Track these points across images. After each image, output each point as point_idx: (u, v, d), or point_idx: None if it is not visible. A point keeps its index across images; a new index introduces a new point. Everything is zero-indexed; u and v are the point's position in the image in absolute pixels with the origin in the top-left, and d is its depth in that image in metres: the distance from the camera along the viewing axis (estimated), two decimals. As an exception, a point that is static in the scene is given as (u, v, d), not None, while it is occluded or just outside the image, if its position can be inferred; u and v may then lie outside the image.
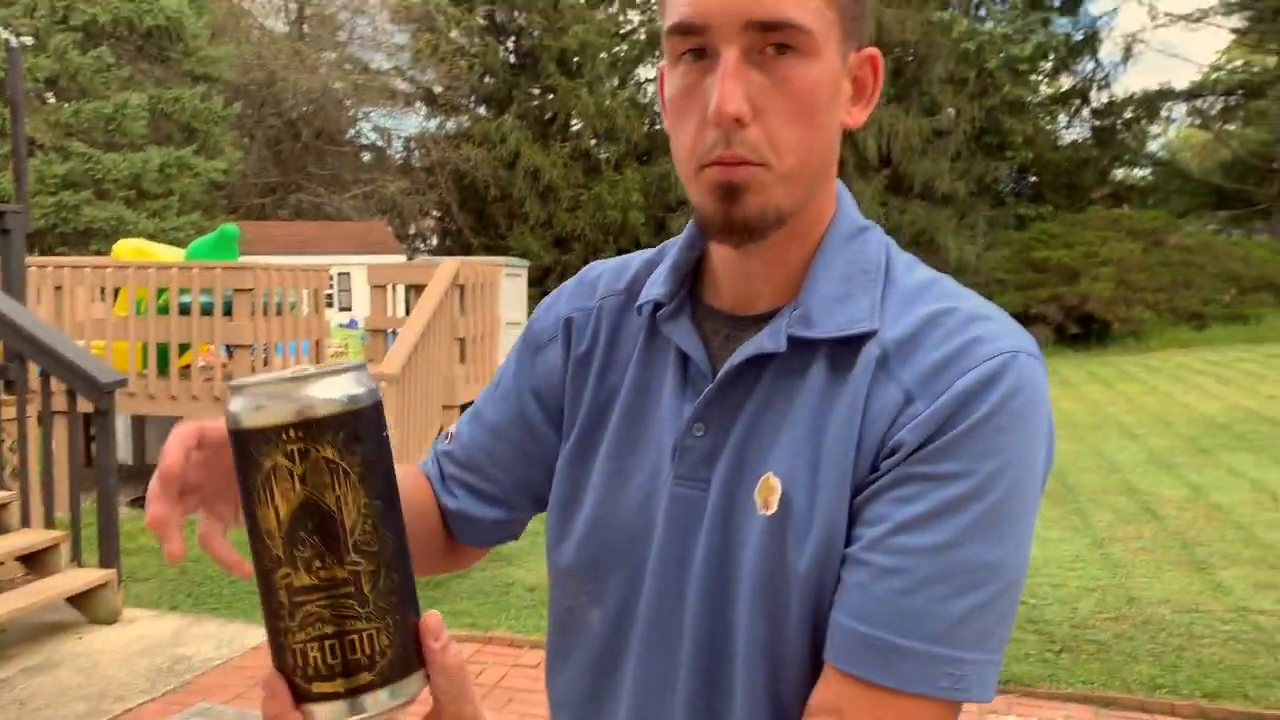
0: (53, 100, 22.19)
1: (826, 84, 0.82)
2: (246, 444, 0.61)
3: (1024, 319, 24.00)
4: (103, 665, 4.74)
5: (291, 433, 0.60)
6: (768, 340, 0.85)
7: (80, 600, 5.29)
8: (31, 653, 4.91)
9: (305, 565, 0.61)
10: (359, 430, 0.62)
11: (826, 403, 0.83)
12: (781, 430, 0.85)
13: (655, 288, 0.95)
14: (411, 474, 1.08)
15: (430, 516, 1.07)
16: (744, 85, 0.79)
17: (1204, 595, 5.57)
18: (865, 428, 0.81)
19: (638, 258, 1.04)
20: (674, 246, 0.98)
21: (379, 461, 0.63)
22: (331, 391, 0.61)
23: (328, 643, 0.61)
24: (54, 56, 21.57)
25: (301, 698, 0.62)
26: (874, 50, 0.89)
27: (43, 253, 20.09)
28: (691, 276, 0.96)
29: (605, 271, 1.06)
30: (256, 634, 5.10)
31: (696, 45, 0.81)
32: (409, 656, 0.63)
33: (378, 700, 0.62)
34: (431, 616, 0.66)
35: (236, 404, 0.62)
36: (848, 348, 0.84)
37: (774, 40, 0.79)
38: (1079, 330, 23.30)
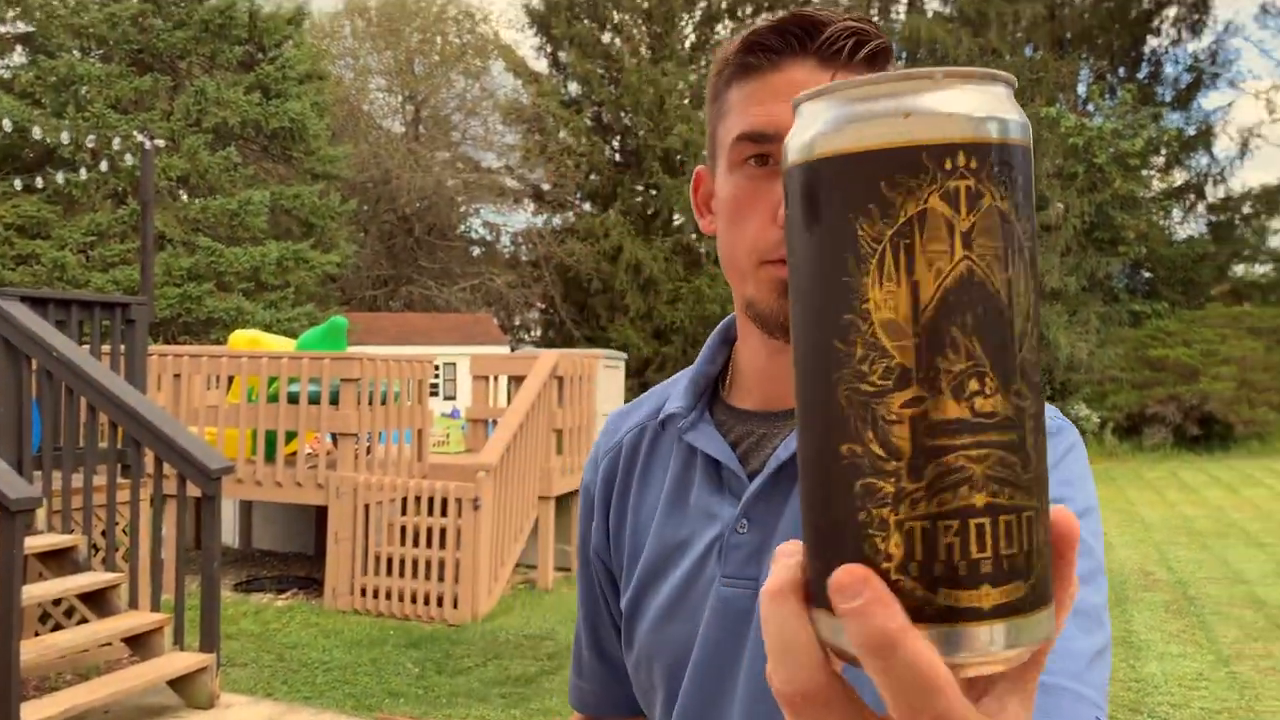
0: (184, 197, 23.39)
1: None
2: (876, 172, 0.37)
3: (1140, 419, 23.21)
4: (197, 751, 4.76)
5: (962, 157, 0.37)
6: None
7: (179, 683, 5.36)
8: (130, 735, 4.96)
9: (956, 386, 0.36)
10: (1029, 181, 0.39)
11: None
12: None
13: (672, 403, 0.99)
14: None
15: None
16: None
17: (1344, 720, 5.17)
18: None
19: (653, 391, 1.09)
20: (689, 369, 1.03)
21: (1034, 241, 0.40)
22: (1012, 112, 0.39)
23: (976, 523, 0.36)
24: (186, 157, 22.81)
25: (914, 614, 0.36)
26: None
27: (167, 341, 20.99)
28: (711, 388, 1.00)
29: (620, 412, 1.11)
30: (347, 725, 5.09)
31: (764, 152, 0.85)
32: (1048, 569, 0.39)
33: (1031, 627, 0.37)
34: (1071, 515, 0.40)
35: (861, 109, 0.38)
36: None
37: None
38: (1199, 431, 22.38)
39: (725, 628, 0.87)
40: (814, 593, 0.38)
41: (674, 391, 1.00)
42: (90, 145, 18.83)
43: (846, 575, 0.36)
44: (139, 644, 5.49)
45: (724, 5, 30.20)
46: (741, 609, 0.86)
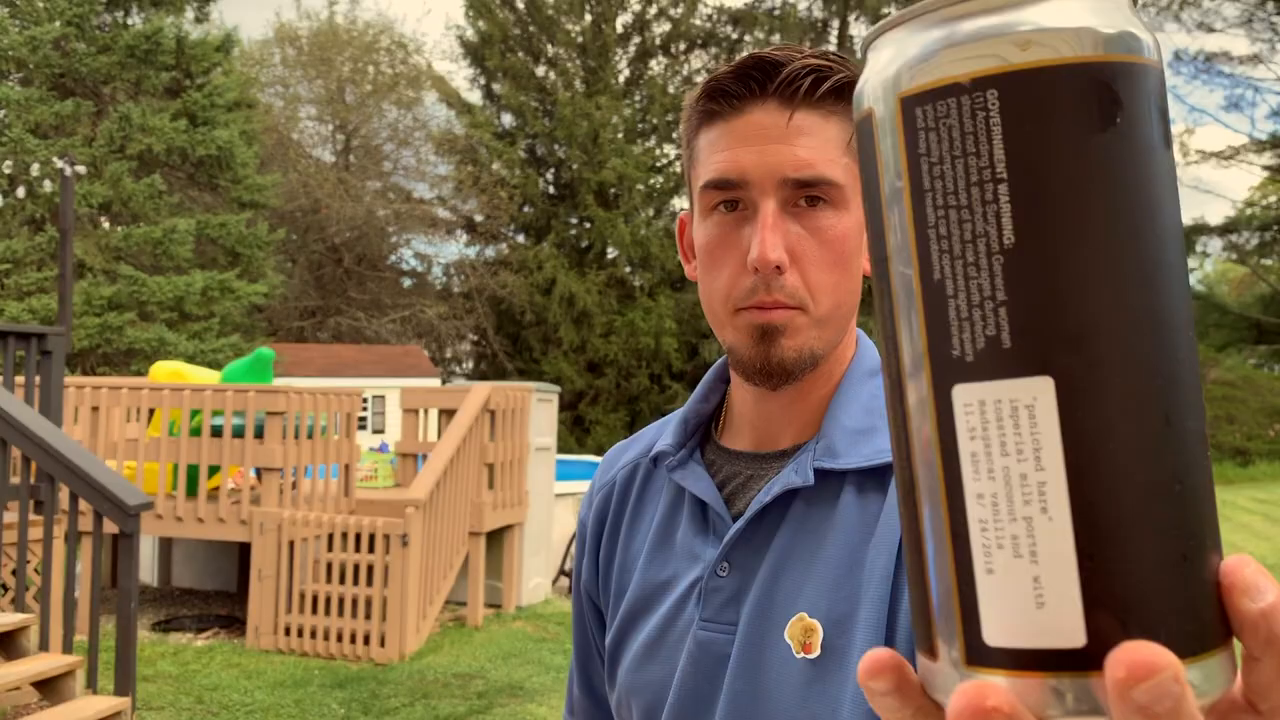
0: (106, 225, 22.86)
1: (854, 233, 0.86)
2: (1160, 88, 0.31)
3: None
4: (109, 800, 4.58)
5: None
6: (794, 475, 0.86)
7: (92, 729, 5.15)
8: (38, 784, 4.76)
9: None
10: None
11: (861, 536, 0.83)
12: (814, 567, 0.84)
13: (663, 441, 0.99)
14: None
15: None
16: (782, 235, 0.83)
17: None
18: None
19: (651, 427, 1.10)
20: (684, 405, 1.03)
21: None
22: None
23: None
24: (109, 183, 22.32)
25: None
26: None
27: (85, 373, 20.43)
28: (703, 426, 1.00)
29: (618, 448, 1.11)
30: (269, 770, 4.94)
31: (731, 198, 0.86)
32: None
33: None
34: None
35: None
36: (875, 479, 0.85)
37: (807, 194, 0.85)
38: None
39: (701, 672, 0.87)
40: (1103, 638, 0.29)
41: (666, 429, 1.01)
42: (7, 171, 18.37)
43: (1141, 656, 0.28)
44: (50, 688, 5.28)
45: (658, 41, 30.54)
46: (718, 653, 0.86)
